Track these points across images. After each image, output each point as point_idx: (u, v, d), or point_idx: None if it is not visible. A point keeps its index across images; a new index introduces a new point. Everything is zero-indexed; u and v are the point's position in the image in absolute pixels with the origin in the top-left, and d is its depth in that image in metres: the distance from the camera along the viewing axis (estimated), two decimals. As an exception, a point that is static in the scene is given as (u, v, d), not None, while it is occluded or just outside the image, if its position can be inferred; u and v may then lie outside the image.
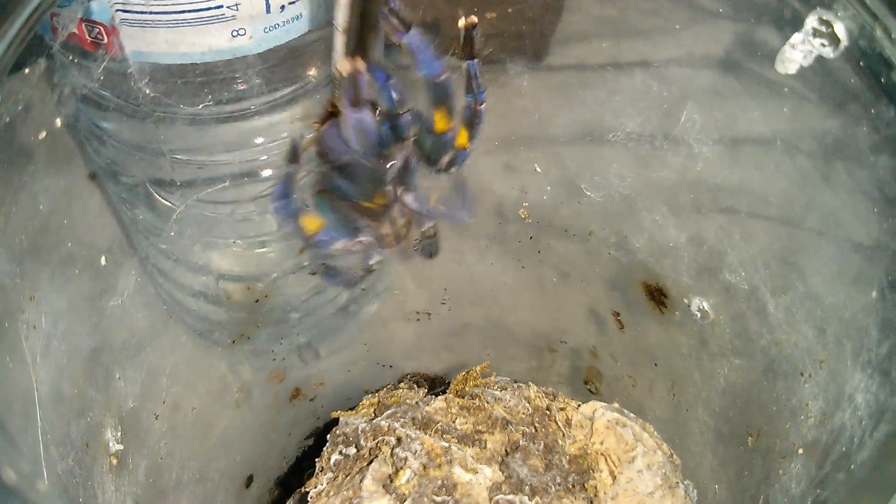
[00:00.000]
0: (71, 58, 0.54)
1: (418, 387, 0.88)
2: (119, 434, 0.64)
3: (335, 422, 0.96)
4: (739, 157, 0.65)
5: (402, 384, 0.94)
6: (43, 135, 0.51)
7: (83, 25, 0.53)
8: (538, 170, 0.76)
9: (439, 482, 0.57)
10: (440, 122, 0.51)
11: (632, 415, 0.68)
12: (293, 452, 0.96)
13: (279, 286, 0.77)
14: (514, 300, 0.89)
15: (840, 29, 0.50)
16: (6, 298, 0.49)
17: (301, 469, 0.94)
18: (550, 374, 0.92)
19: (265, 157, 0.68)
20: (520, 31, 0.68)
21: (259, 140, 0.66)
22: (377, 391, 0.92)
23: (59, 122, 0.53)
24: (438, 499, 0.56)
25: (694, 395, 0.75)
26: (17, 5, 0.41)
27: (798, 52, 0.52)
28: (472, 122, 0.52)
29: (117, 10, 0.52)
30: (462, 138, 0.53)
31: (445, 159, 0.53)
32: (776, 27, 0.55)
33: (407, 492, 0.56)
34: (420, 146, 0.54)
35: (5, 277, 0.48)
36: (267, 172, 0.69)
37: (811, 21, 0.51)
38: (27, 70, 0.47)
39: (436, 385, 0.95)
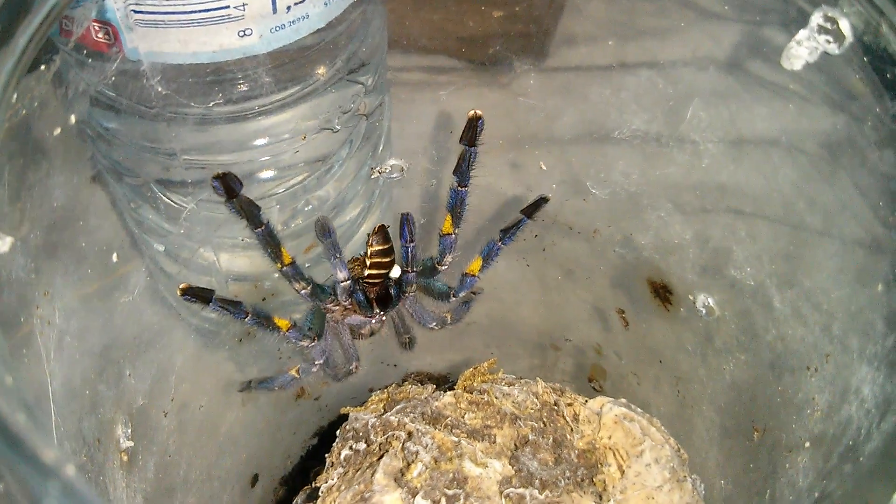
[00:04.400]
0: (83, 59, 0.55)
1: (422, 384, 0.88)
2: (129, 431, 0.64)
3: (340, 421, 0.96)
4: (745, 153, 0.65)
5: (406, 383, 0.94)
6: (58, 131, 0.51)
7: (95, 27, 0.53)
8: (544, 168, 0.76)
9: (451, 475, 0.57)
10: (446, 224, 0.62)
11: (639, 409, 0.68)
12: (297, 452, 0.96)
13: (285, 285, 0.77)
14: (518, 298, 0.90)
15: (845, 25, 0.51)
16: (22, 293, 0.49)
17: (305, 468, 0.94)
18: (554, 372, 0.92)
19: (271, 157, 0.68)
20: (527, 30, 0.68)
21: (266, 139, 0.67)
22: (382, 388, 0.92)
23: (73, 119, 0.53)
24: (450, 492, 0.56)
25: (699, 392, 0.75)
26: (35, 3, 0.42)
27: (804, 48, 0.52)
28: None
29: (131, 10, 0.52)
30: (475, 266, 0.66)
31: (449, 259, 0.65)
32: (781, 25, 0.55)
33: (419, 485, 0.56)
34: (424, 274, 0.67)
35: (21, 272, 0.48)
36: (270, 173, 0.69)
37: (816, 18, 0.52)
38: (43, 67, 0.48)
39: (439, 383, 0.96)
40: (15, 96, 0.43)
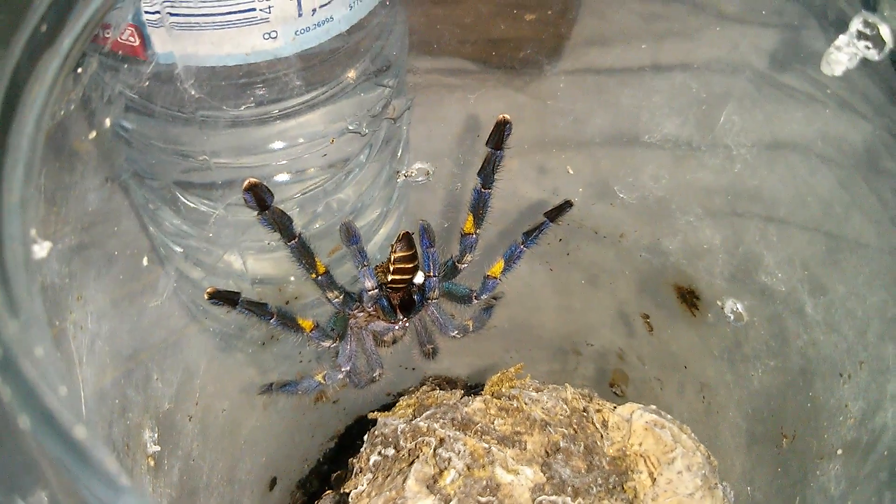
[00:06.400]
0: (117, 63, 0.55)
1: (441, 389, 0.88)
2: (156, 435, 0.64)
3: (357, 424, 0.95)
4: (778, 158, 0.65)
5: (424, 387, 0.93)
6: (93, 135, 0.51)
7: (130, 31, 0.53)
8: (571, 171, 0.76)
9: (484, 483, 0.57)
10: (468, 224, 0.63)
11: (669, 416, 0.68)
12: (315, 455, 0.95)
13: (308, 287, 0.77)
14: (541, 302, 0.89)
15: (885, 31, 0.50)
16: (56, 298, 0.49)
17: (322, 472, 0.93)
18: (575, 377, 0.92)
19: (294, 159, 0.68)
20: (558, 33, 0.68)
21: (295, 141, 0.66)
22: (401, 393, 0.92)
23: (108, 122, 0.53)
24: (483, 499, 0.55)
25: (725, 398, 0.74)
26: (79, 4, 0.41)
27: (843, 54, 0.52)
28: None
29: (167, 13, 0.52)
30: (496, 268, 0.66)
31: (469, 258, 0.65)
32: (820, 29, 0.55)
33: (452, 492, 0.56)
34: (446, 276, 0.67)
35: (55, 277, 0.48)
36: (290, 176, 0.69)
37: (856, 23, 0.51)
38: (80, 70, 0.47)
39: (458, 388, 0.95)
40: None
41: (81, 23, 0.40)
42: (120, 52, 0.54)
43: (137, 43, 0.53)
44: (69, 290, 0.51)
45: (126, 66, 0.54)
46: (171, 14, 0.52)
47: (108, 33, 0.51)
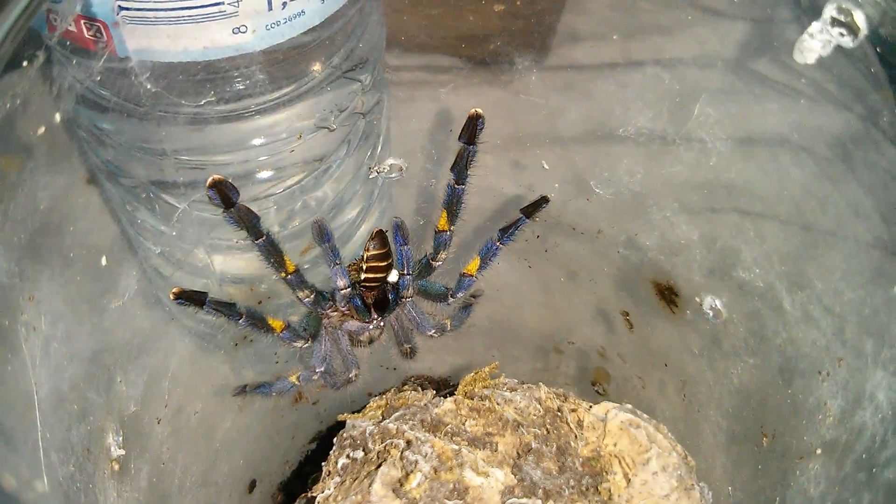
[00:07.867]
0: (70, 55, 0.53)
1: (423, 389, 0.87)
2: (120, 439, 0.62)
3: (338, 425, 0.94)
4: (754, 151, 0.64)
5: (406, 387, 0.92)
6: (42, 130, 0.49)
7: (81, 22, 0.52)
8: (546, 167, 0.75)
9: (451, 486, 0.55)
10: (442, 221, 0.62)
11: (645, 415, 0.67)
12: (296, 457, 0.94)
13: (282, 287, 0.76)
14: (520, 300, 0.88)
15: (860, 17, 0.49)
16: (5, 298, 0.48)
17: (304, 473, 0.92)
18: (557, 375, 0.91)
19: (267, 157, 0.66)
20: (528, 25, 0.66)
21: (262, 139, 0.65)
22: (381, 394, 0.90)
23: (58, 117, 0.51)
24: (450, 503, 0.54)
25: (706, 396, 0.73)
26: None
27: (817, 41, 0.50)
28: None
29: (119, 6, 0.50)
30: (472, 266, 0.65)
31: (443, 255, 0.64)
32: (793, 17, 0.53)
33: (418, 496, 0.55)
34: (420, 274, 0.66)
35: (3, 276, 0.47)
36: (266, 174, 0.68)
37: (829, 10, 0.50)
38: (25, 64, 0.46)
39: (440, 387, 0.94)
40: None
41: (14, 14, 0.39)
42: (70, 45, 0.52)
43: (90, 36, 0.52)
44: (19, 290, 0.50)
45: (77, 59, 0.53)
46: (122, 7, 0.50)
47: (56, 22, 0.50)
